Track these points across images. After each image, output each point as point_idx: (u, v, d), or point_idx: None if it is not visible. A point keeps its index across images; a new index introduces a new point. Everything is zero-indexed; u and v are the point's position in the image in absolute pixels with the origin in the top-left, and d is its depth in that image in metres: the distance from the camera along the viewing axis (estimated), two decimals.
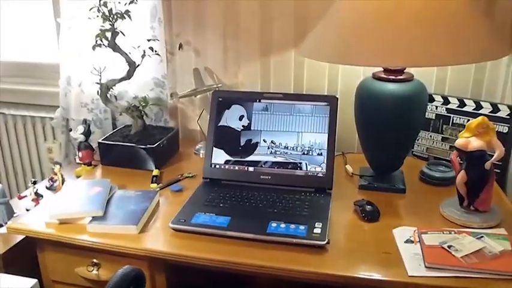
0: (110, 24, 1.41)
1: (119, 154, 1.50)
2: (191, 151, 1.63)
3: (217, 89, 1.57)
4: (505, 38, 1.34)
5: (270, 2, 1.53)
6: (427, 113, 1.43)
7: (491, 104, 1.38)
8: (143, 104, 1.58)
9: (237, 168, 1.35)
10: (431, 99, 1.47)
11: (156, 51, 1.52)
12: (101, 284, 1.16)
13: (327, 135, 1.31)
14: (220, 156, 1.36)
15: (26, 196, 1.57)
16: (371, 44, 1.11)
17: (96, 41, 1.42)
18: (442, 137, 1.48)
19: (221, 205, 1.22)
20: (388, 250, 1.04)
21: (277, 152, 1.34)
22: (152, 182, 1.39)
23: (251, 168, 1.34)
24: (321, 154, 1.31)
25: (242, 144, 1.36)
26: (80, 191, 1.27)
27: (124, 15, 1.41)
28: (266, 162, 1.34)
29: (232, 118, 1.38)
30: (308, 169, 1.31)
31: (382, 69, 1.26)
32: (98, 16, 1.40)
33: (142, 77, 1.63)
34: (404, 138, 1.29)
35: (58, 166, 1.57)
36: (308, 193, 1.27)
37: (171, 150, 1.60)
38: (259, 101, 1.37)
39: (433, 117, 1.49)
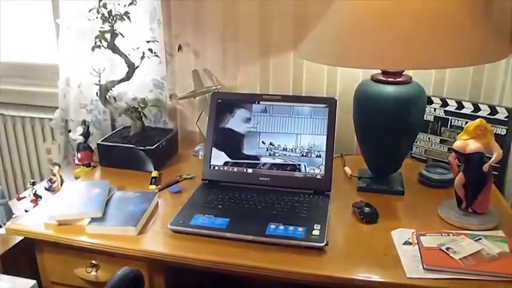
0: (110, 26, 1.41)
1: (118, 155, 1.50)
2: (190, 153, 1.63)
3: (216, 90, 1.57)
4: (503, 40, 1.34)
5: (269, 2, 1.53)
6: (425, 115, 1.44)
7: (489, 106, 1.38)
8: (142, 106, 1.58)
9: (235, 169, 1.35)
10: (430, 102, 1.48)
11: (155, 52, 1.53)
12: (99, 285, 1.16)
13: (325, 137, 1.31)
14: (219, 158, 1.37)
15: (24, 197, 1.57)
16: (369, 46, 1.11)
17: (96, 42, 1.42)
18: (441, 139, 1.49)
19: (220, 207, 1.22)
20: (386, 252, 1.04)
21: (276, 154, 1.34)
22: (151, 184, 1.39)
23: (250, 170, 1.34)
24: (320, 156, 1.31)
25: (242, 146, 1.36)
26: (79, 192, 1.27)
27: (124, 16, 1.41)
28: (265, 164, 1.34)
29: (237, 121, 1.38)
30: (307, 171, 1.31)
31: (381, 72, 1.26)
32: (97, 17, 1.40)
33: (142, 78, 1.63)
34: (403, 140, 1.29)
35: (57, 167, 1.57)
36: (307, 195, 1.27)
37: (170, 151, 1.60)
38: (259, 103, 1.37)
39: (432, 120, 1.49)
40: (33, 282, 1.12)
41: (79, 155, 1.61)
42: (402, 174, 1.38)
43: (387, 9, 1.11)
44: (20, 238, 1.32)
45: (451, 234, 1.06)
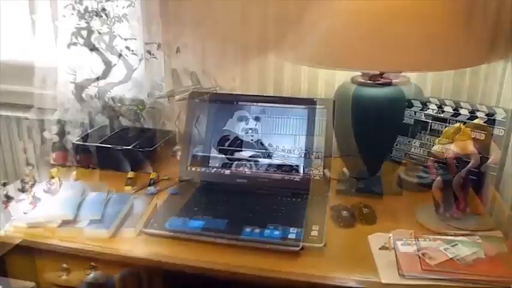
0: (86, 22, 1.38)
1: (95, 155, 1.46)
2: (168, 153, 1.60)
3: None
4: (483, 45, 1.34)
5: (267, 4, 1.50)
6: (406, 118, 1.43)
7: (472, 109, 1.37)
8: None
9: (213, 170, 1.33)
10: (410, 105, 1.47)
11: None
12: None
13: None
14: (199, 158, 1.35)
15: None
16: (350, 48, 1.11)
17: (71, 39, 1.40)
18: (420, 142, 1.48)
19: (196, 209, 1.19)
20: (362, 257, 1.03)
21: (270, 155, 1.33)
22: (127, 185, 1.36)
23: (227, 171, 1.32)
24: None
25: (229, 146, 1.35)
26: (51, 194, 1.24)
27: (101, 13, 1.39)
28: (257, 164, 1.32)
29: (233, 122, 1.37)
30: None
31: (361, 74, 1.25)
32: (72, 14, 1.37)
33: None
34: (382, 142, 1.28)
35: (30, 167, 1.53)
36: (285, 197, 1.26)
37: (148, 151, 1.57)
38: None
39: (412, 123, 1.48)
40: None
41: (54, 155, 1.57)
42: (381, 177, 1.37)
43: (367, 12, 1.10)
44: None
45: (427, 239, 1.06)
